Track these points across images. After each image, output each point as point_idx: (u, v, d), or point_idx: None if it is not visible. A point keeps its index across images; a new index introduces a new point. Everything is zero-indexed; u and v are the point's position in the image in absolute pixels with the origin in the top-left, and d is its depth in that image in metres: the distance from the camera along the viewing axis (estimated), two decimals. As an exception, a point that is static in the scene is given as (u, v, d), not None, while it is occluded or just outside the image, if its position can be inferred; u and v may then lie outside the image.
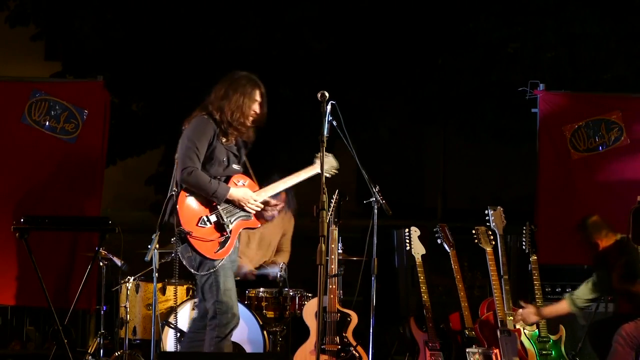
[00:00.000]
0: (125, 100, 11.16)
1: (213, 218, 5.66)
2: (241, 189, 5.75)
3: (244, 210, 5.73)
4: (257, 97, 5.80)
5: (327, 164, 5.69)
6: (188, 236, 5.62)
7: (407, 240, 7.14)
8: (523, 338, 6.88)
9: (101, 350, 6.97)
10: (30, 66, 14.75)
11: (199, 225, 5.64)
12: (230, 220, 5.68)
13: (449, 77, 10.84)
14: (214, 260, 5.66)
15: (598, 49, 10.38)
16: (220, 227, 5.67)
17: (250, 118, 5.78)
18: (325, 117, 5.34)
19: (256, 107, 5.79)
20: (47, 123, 7.64)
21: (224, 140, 5.74)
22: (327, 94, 5.36)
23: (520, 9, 10.39)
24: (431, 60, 10.98)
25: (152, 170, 11.97)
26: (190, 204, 5.68)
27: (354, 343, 6.99)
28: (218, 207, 5.66)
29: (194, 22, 10.38)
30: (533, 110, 8.10)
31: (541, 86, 8.02)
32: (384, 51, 10.87)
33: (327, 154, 5.61)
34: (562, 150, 7.96)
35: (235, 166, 5.80)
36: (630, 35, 10.38)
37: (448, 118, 12.21)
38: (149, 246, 6.33)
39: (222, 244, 5.67)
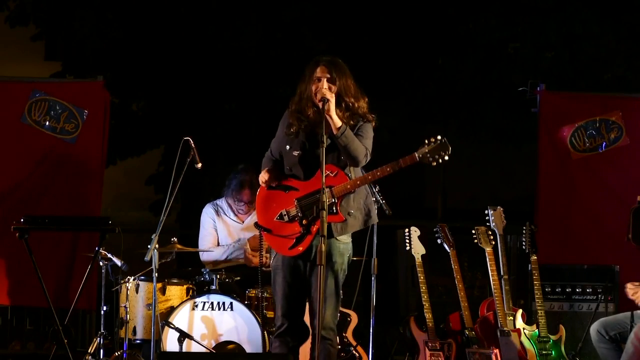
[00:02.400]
0: (125, 100, 11.16)
1: (292, 212, 5.44)
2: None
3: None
4: (315, 74, 5.46)
5: (440, 149, 5.38)
6: (263, 232, 5.53)
7: (407, 240, 7.14)
8: (523, 338, 6.88)
9: (101, 350, 6.97)
10: (30, 66, 14.73)
11: (278, 219, 5.47)
12: (308, 215, 5.37)
13: (449, 77, 10.83)
14: (285, 261, 5.49)
15: (598, 49, 10.38)
16: (298, 222, 5.43)
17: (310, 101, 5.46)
18: (325, 116, 5.34)
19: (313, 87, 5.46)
20: (47, 123, 7.65)
21: (292, 128, 5.51)
22: (327, 94, 5.35)
23: (520, 9, 10.39)
24: (431, 60, 10.98)
25: (152, 170, 11.97)
26: (270, 197, 5.53)
27: (354, 343, 6.99)
28: (296, 201, 5.43)
29: (194, 22, 10.38)
30: (533, 110, 8.10)
31: (541, 86, 8.03)
32: (384, 51, 10.87)
33: (441, 139, 5.38)
34: (562, 150, 7.96)
35: (295, 153, 5.49)
36: (630, 35, 10.38)
37: (448, 118, 12.21)
38: (149, 246, 6.35)
39: (298, 241, 5.44)
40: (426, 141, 5.41)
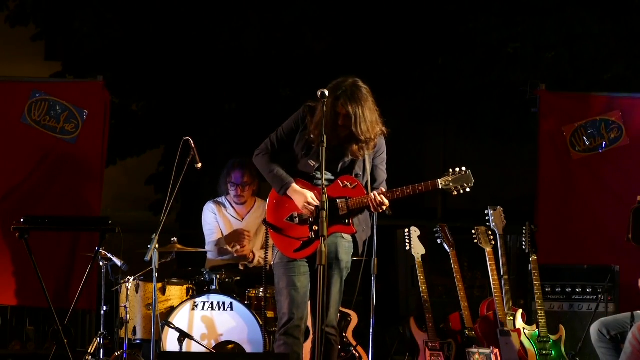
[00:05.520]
0: (125, 100, 11.17)
1: (304, 216, 5.46)
2: (304, 191, 5.42)
3: (337, 213, 5.41)
4: (336, 108, 5.41)
5: (463, 180, 5.48)
6: (269, 229, 5.56)
7: (407, 240, 7.15)
8: (523, 338, 6.89)
9: (101, 350, 6.97)
10: (30, 66, 14.75)
11: (288, 220, 5.50)
12: (318, 222, 5.28)
13: (449, 77, 10.83)
14: (289, 258, 5.49)
15: (598, 49, 10.37)
16: (308, 226, 5.45)
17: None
18: (324, 116, 5.33)
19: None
20: (47, 123, 7.65)
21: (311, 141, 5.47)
22: (327, 93, 5.35)
23: (520, 9, 10.38)
24: (431, 60, 10.98)
25: (152, 170, 11.97)
26: (283, 197, 5.52)
27: (354, 343, 7.00)
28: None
29: (194, 22, 10.39)
30: (533, 110, 8.10)
31: (541, 86, 8.03)
32: (384, 51, 10.87)
33: (465, 170, 5.49)
34: (562, 150, 7.96)
35: (311, 162, 5.46)
36: (630, 35, 10.37)
37: (448, 118, 12.22)
38: (149, 246, 6.35)
39: (305, 244, 5.47)
40: (450, 170, 5.51)
